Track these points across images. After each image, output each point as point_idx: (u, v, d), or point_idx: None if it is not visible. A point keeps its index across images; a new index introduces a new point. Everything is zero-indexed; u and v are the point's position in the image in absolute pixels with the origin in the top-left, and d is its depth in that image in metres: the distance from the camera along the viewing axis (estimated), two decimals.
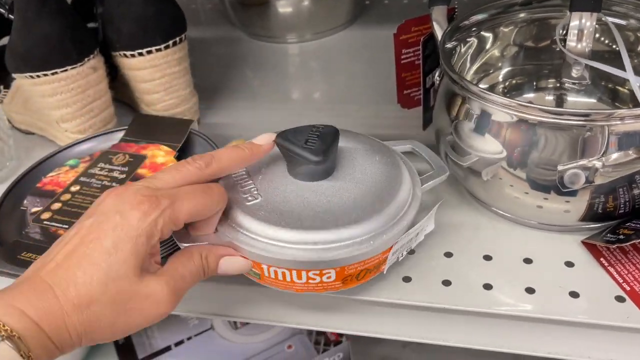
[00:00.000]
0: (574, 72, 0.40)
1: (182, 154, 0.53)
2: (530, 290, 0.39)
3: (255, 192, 0.39)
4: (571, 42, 0.38)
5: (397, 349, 0.90)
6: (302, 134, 0.39)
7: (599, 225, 0.43)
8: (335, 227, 0.36)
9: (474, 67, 0.49)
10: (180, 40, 0.55)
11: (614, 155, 0.35)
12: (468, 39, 0.48)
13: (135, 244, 0.32)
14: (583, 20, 0.37)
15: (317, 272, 0.36)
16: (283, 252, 0.36)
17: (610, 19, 0.45)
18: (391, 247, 0.37)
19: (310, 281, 0.37)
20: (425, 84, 0.53)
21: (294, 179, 0.40)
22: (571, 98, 0.48)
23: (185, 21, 0.56)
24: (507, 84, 0.49)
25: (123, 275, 0.32)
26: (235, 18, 0.81)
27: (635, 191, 0.38)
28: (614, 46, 0.45)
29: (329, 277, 0.37)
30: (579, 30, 0.37)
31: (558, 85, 0.47)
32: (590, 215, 0.40)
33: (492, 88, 0.50)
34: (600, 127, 0.36)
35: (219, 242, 0.37)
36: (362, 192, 0.39)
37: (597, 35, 0.46)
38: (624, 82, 0.45)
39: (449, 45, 0.45)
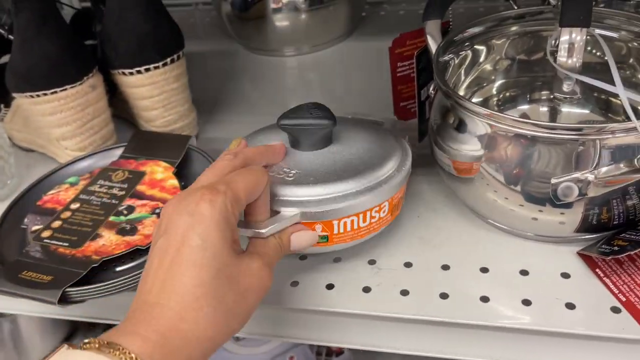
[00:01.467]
0: (565, 87, 0.41)
1: (181, 170, 0.53)
2: (527, 302, 0.40)
3: (287, 169, 0.43)
4: (562, 57, 0.38)
5: None
6: (302, 111, 0.44)
7: (595, 236, 0.43)
8: (372, 168, 0.42)
9: (468, 80, 0.49)
10: (179, 57, 0.56)
11: (606, 168, 0.36)
12: (461, 53, 0.48)
13: (219, 230, 0.33)
14: (573, 35, 0.37)
15: (377, 208, 0.42)
16: (349, 201, 0.40)
17: (602, 32, 0.45)
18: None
19: (372, 220, 0.42)
20: (420, 97, 0.53)
21: (306, 151, 0.44)
22: (565, 109, 0.48)
23: (182, 38, 0.57)
24: (501, 96, 0.50)
25: (226, 262, 0.33)
26: (233, 32, 0.82)
27: (629, 202, 0.39)
28: (606, 58, 0.46)
29: (384, 212, 0.43)
30: (569, 45, 0.38)
31: (552, 97, 0.47)
32: (586, 227, 0.41)
33: (486, 101, 0.50)
34: (592, 141, 0.36)
35: (291, 222, 0.40)
36: (364, 147, 0.45)
37: (589, 47, 0.47)
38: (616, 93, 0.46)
39: (442, 59, 0.46)
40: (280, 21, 0.77)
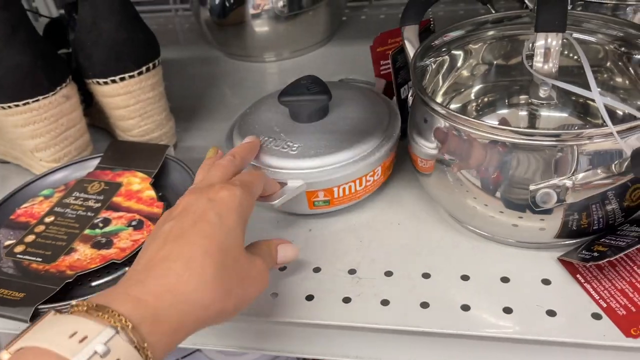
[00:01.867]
0: (542, 92, 0.40)
1: (158, 180, 0.52)
2: (508, 310, 0.39)
3: (291, 143, 0.47)
4: (538, 63, 0.38)
5: None
6: (299, 87, 0.48)
7: (575, 241, 0.43)
8: (366, 136, 0.47)
9: (446, 85, 0.49)
10: (154, 65, 0.55)
11: (583, 174, 0.36)
12: (439, 58, 0.48)
13: (236, 214, 0.35)
14: (549, 40, 0.37)
15: (372, 173, 0.47)
16: (347, 170, 0.45)
17: (579, 36, 0.45)
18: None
19: (367, 183, 0.47)
20: (400, 95, 0.53)
21: (306, 123, 0.48)
22: (544, 113, 0.48)
23: (158, 46, 0.56)
24: (479, 101, 0.50)
25: (236, 245, 0.34)
26: (212, 38, 0.81)
27: (608, 207, 0.39)
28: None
29: (377, 175, 0.48)
30: (545, 50, 0.37)
31: (530, 101, 0.47)
32: (566, 232, 0.40)
33: (464, 106, 0.50)
34: (569, 147, 0.36)
35: (297, 192, 0.45)
36: (358, 115, 0.49)
37: (566, 51, 0.46)
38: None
39: (420, 65, 0.45)
40: (260, 27, 0.76)
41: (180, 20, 0.99)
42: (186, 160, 0.55)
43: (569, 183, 0.36)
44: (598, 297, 0.39)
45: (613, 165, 0.35)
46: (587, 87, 0.38)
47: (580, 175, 0.36)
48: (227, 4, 0.75)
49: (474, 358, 0.40)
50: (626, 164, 0.34)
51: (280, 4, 0.73)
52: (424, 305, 0.40)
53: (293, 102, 0.48)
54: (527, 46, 0.41)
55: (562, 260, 0.42)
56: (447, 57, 0.48)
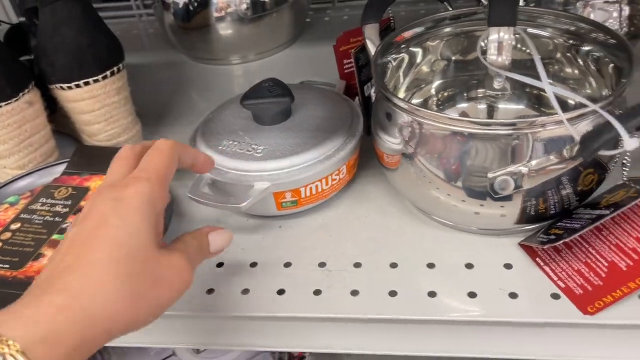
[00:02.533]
0: (496, 84, 0.42)
1: None
2: (472, 295, 0.41)
3: (255, 146, 0.48)
4: (492, 56, 0.39)
5: None
6: (261, 90, 0.49)
7: (535, 226, 0.44)
8: (330, 136, 0.48)
9: (407, 82, 0.51)
10: (118, 69, 0.55)
11: (537, 160, 0.37)
12: (399, 55, 0.49)
13: (141, 213, 0.32)
14: (501, 34, 0.39)
15: (337, 172, 0.48)
16: (312, 170, 0.46)
17: (531, 30, 0.47)
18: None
19: (333, 182, 0.48)
20: (364, 93, 0.55)
21: (269, 126, 0.49)
22: (502, 105, 0.50)
23: (122, 50, 0.56)
24: (440, 96, 0.51)
25: (144, 245, 0.31)
26: (177, 42, 0.81)
27: (563, 192, 0.40)
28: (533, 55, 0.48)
29: (343, 174, 0.49)
30: (498, 44, 0.39)
31: (486, 93, 0.49)
32: (525, 218, 0.42)
33: (426, 101, 0.51)
34: (524, 135, 0.38)
35: (263, 194, 0.45)
36: (321, 115, 0.50)
37: (520, 45, 0.48)
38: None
39: (381, 62, 0.47)
40: (224, 30, 0.77)
41: (145, 25, 0.99)
42: None
43: (524, 169, 0.38)
44: (556, 278, 0.41)
45: (565, 151, 0.36)
46: (539, 78, 0.40)
47: (535, 162, 0.37)
48: (191, 8, 0.75)
49: (442, 342, 0.41)
50: (576, 149, 0.35)
51: (244, 6, 0.74)
52: (392, 293, 0.42)
53: (255, 105, 0.49)
54: (480, 43, 0.42)
55: (522, 245, 0.44)
56: (406, 54, 0.50)
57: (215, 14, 0.75)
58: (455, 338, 0.41)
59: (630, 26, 0.57)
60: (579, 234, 0.39)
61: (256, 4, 0.75)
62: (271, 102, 0.48)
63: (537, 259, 0.42)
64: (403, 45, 0.49)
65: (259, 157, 0.47)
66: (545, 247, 0.41)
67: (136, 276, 0.30)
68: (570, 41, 0.46)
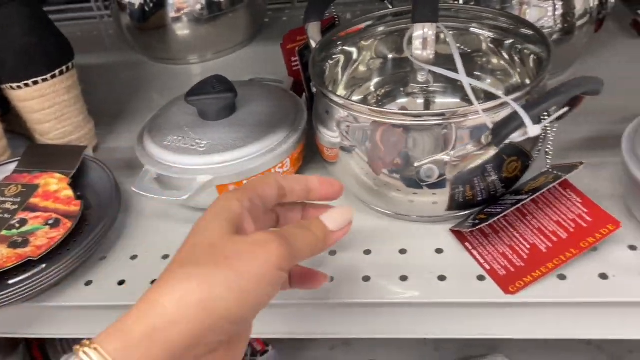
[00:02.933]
0: (420, 77, 0.44)
1: (77, 180, 0.53)
2: (404, 278, 0.43)
3: (199, 140, 0.49)
4: (417, 51, 0.41)
5: (325, 352, 0.93)
6: (205, 86, 0.51)
7: (465, 213, 0.47)
8: (273, 130, 0.50)
9: (346, 78, 0.53)
10: (67, 68, 0.56)
11: (458, 149, 0.39)
12: (337, 54, 0.51)
13: (214, 214, 0.32)
14: (425, 30, 0.41)
15: (280, 165, 0.49)
16: (254, 163, 0.48)
17: (460, 25, 0.50)
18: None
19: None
20: (311, 89, 0.56)
21: (214, 121, 0.51)
22: (438, 100, 0.52)
23: (71, 50, 0.57)
24: (379, 92, 0.53)
25: (210, 235, 0.31)
26: (134, 43, 0.82)
27: (489, 179, 0.43)
28: (466, 49, 0.50)
29: (287, 167, 0.50)
30: (423, 40, 0.41)
31: (424, 89, 0.51)
32: (455, 205, 0.44)
33: (366, 97, 0.53)
34: (449, 125, 0.40)
35: (206, 187, 0.47)
36: (265, 111, 0.52)
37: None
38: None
39: (320, 60, 0.49)
40: (181, 30, 0.78)
41: (106, 26, 0.99)
42: (108, 160, 0.56)
43: (446, 158, 0.40)
44: (483, 261, 0.43)
45: (482, 139, 0.39)
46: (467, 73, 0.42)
47: (455, 150, 0.39)
48: (147, 9, 0.76)
49: (376, 323, 0.43)
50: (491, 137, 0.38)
51: (198, 7, 0.75)
52: (330, 279, 0.43)
53: (199, 101, 0.50)
54: (406, 40, 0.45)
55: (453, 231, 0.46)
56: (344, 52, 0.52)
57: (171, 15, 0.76)
58: (388, 320, 0.43)
59: (564, 23, 0.60)
60: (497, 218, 0.41)
61: (212, 4, 0.76)
62: (214, 98, 0.50)
63: (467, 243, 0.45)
64: (340, 43, 0.51)
65: (202, 151, 0.48)
66: (468, 231, 0.43)
67: (202, 259, 0.30)
68: (496, 35, 0.49)
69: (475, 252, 0.44)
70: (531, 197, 0.41)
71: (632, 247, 0.42)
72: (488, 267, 0.42)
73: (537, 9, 0.59)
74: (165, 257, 0.48)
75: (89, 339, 0.28)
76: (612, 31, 0.74)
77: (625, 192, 0.45)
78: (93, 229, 0.47)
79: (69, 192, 0.51)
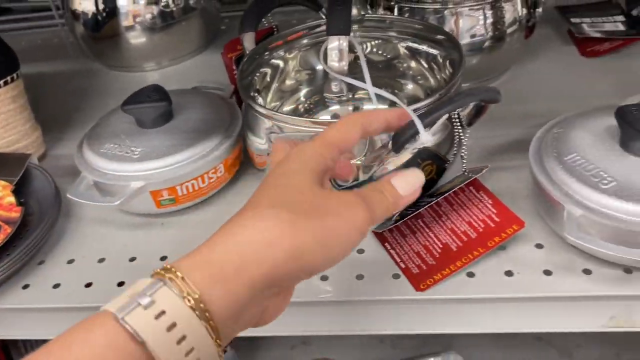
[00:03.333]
0: (334, 87, 0.47)
1: (22, 187, 0.55)
2: (324, 278, 0.45)
3: (134, 148, 0.51)
4: (332, 62, 0.44)
5: (286, 351, 0.95)
6: (141, 95, 0.53)
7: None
8: (206, 136, 0.52)
9: (275, 88, 0.55)
10: (12, 79, 0.58)
11: (369, 154, 0.42)
12: (264, 66, 0.54)
13: (298, 161, 0.32)
14: (340, 42, 0.43)
15: (213, 170, 0.52)
16: (186, 169, 0.50)
17: (382, 35, 0.52)
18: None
19: (211, 181, 0.52)
20: None
21: (150, 129, 0.53)
22: (367, 106, 0.55)
23: (16, 60, 0.59)
24: (309, 101, 0.56)
25: (298, 181, 0.31)
26: (89, 51, 0.84)
27: None
28: (388, 56, 0.53)
29: (220, 172, 0.52)
30: (338, 51, 0.43)
31: (352, 97, 0.53)
32: None
33: (297, 107, 0.56)
34: None
35: (139, 193, 0.49)
36: (201, 118, 0.54)
37: (378, 50, 0.53)
38: (403, 90, 0.53)
39: (247, 71, 0.51)
40: (135, 38, 0.80)
41: (66, 34, 1.00)
42: (55, 167, 0.58)
43: (359, 162, 0.42)
44: (399, 260, 0.45)
45: (389, 144, 0.41)
46: (390, 80, 0.44)
47: (366, 155, 0.42)
48: (99, 18, 0.78)
49: (300, 323, 0.45)
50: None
51: (149, 16, 0.77)
52: None
53: (134, 110, 0.52)
54: (322, 51, 0.47)
55: (374, 232, 0.48)
56: (270, 64, 0.54)
57: (124, 24, 0.78)
58: (310, 319, 0.45)
59: (494, 30, 0.63)
60: (408, 218, 0.44)
61: (164, 13, 0.78)
62: (149, 106, 0.52)
63: (386, 243, 0.47)
64: (267, 55, 0.53)
65: (136, 158, 0.50)
66: (381, 231, 0.45)
67: (293, 206, 0.29)
68: (413, 43, 0.51)
69: (393, 252, 0.46)
70: (440, 198, 0.43)
71: (539, 246, 0.45)
72: (403, 266, 0.45)
73: (469, 18, 0.62)
74: (101, 260, 0.49)
75: (169, 266, 0.27)
76: (551, 38, 0.77)
77: (532, 194, 0.48)
78: (32, 234, 0.49)
79: (12, 199, 0.53)
